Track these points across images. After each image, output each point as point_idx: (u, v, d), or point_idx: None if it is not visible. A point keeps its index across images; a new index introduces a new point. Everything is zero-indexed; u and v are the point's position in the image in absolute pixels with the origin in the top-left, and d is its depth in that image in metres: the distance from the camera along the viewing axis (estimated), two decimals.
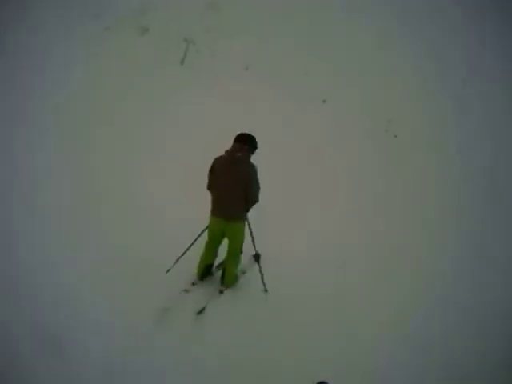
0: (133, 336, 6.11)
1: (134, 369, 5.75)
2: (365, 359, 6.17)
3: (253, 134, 4.86)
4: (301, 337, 6.33)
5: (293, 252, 7.80)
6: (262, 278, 5.36)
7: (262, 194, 5.29)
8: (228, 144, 4.98)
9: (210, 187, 4.93)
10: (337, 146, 10.74)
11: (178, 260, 5.40)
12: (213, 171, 4.85)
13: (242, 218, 4.89)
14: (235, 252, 5.09)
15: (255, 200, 4.86)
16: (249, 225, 5.13)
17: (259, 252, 5.36)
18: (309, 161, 10.46)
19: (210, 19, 12.45)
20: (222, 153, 4.95)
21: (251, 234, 5.20)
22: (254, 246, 5.31)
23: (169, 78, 11.11)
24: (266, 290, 5.54)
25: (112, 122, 10.10)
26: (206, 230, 5.16)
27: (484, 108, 11.44)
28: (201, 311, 5.14)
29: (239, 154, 4.61)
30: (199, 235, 5.35)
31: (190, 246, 5.34)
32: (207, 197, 5.35)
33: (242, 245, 5.14)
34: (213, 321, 5.32)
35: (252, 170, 4.67)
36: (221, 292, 5.34)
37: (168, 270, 5.47)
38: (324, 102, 11.59)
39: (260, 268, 5.32)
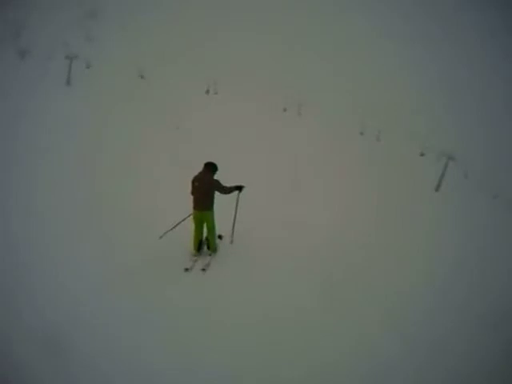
0: (132, 336, 6.14)
1: (134, 368, 5.77)
2: (365, 359, 6.17)
3: (215, 162, 7.31)
4: (302, 337, 6.37)
5: (293, 250, 7.90)
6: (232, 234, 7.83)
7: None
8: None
9: (192, 193, 7.27)
10: (334, 148, 10.73)
11: (167, 231, 7.39)
12: (193, 183, 7.22)
13: (211, 209, 7.29)
14: (212, 229, 7.46)
15: (224, 191, 7.24)
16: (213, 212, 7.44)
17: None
18: (308, 161, 10.49)
19: (91, 28, 11.90)
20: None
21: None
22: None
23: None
24: (231, 242, 7.86)
25: None
26: (192, 219, 7.45)
27: (484, 108, 11.45)
28: (204, 268, 7.47)
29: (206, 174, 7.20)
30: (184, 219, 7.50)
31: (178, 224, 7.46)
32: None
33: (214, 226, 7.46)
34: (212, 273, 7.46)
35: (215, 181, 7.17)
36: (210, 255, 7.68)
37: (160, 237, 7.36)
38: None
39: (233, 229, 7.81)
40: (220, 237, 7.84)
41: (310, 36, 12.93)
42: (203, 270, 7.37)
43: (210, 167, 7.18)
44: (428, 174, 10.14)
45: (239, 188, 7.43)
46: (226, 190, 7.24)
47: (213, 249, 7.62)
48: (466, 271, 7.84)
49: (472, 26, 12.31)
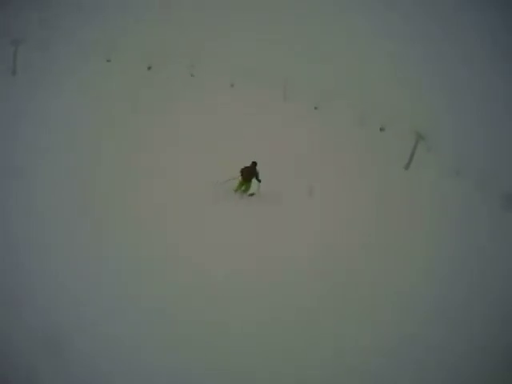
0: (132, 336, 6.13)
1: (134, 368, 5.77)
2: (365, 359, 6.16)
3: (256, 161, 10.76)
4: (302, 337, 6.37)
5: (293, 251, 7.91)
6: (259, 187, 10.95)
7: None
8: None
9: (241, 174, 10.64)
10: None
11: (221, 183, 10.34)
12: (242, 170, 10.63)
13: (251, 181, 10.71)
14: (247, 188, 10.84)
15: (258, 177, 10.74)
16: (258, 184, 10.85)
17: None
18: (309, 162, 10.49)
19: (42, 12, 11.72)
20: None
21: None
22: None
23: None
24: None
25: None
26: (238, 180, 10.82)
27: (484, 108, 11.46)
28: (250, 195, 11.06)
29: (252, 167, 10.68)
30: (233, 178, 10.51)
31: (229, 179, 10.39)
32: None
33: (250, 186, 10.90)
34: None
35: (256, 171, 10.53)
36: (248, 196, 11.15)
37: (219, 183, 10.35)
38: (316, 108, 11.68)
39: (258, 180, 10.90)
40: (252, 194, 11.01)
41: (310, 36, 12.95)
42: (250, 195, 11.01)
43: (254, 164, 10.74)
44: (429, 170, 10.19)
45: (259, 180, 10.81)
46: (258, 178, 10.78)
47: (247, 193, 10.98)
48: (466, 271, 7.85)
49: (472, 26, 12.30)
